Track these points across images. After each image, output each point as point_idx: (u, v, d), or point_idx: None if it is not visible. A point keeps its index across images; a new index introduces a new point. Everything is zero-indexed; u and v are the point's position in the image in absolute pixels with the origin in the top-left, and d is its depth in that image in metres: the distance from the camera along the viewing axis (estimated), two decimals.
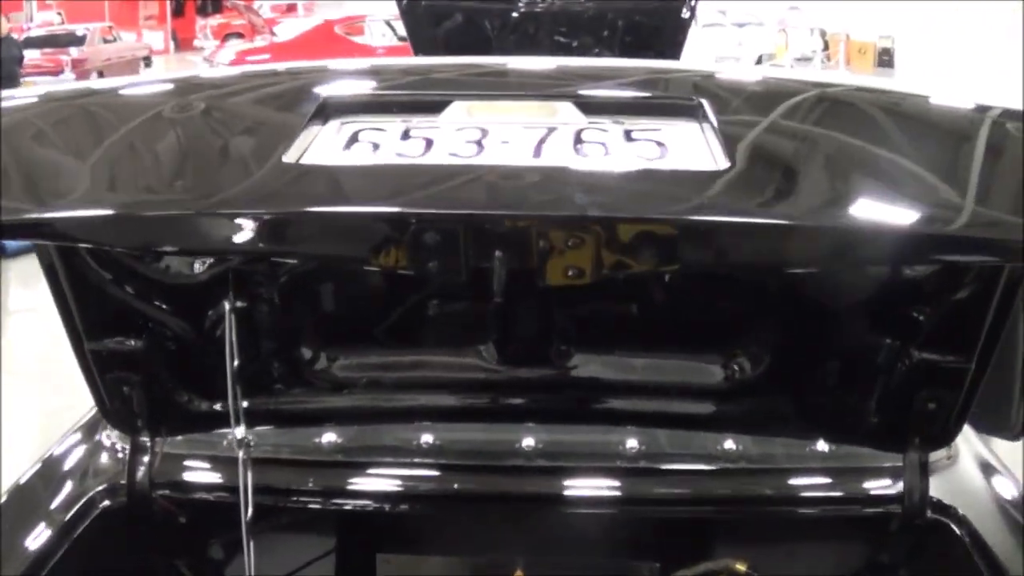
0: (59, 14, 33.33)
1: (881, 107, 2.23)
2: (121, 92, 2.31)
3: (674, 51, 8.37)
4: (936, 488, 2.74)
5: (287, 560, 2.92)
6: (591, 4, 8.55)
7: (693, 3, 8.21)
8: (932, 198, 2.00)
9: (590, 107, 2.15)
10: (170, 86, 2.32)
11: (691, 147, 2.00)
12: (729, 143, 2.00)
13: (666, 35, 8.35)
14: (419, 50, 8.52)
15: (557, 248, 2.02)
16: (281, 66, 2.66)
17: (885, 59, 29.24)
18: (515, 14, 8.55)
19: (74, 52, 21.80)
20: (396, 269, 2.13)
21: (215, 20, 38.29)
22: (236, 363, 2.46)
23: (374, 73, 2.49)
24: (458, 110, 2.06)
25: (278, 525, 2.94)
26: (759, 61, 26.91)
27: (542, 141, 2.02)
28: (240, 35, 32.43)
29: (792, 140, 2.18)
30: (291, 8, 38.50)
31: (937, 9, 25.48)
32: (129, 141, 2.14)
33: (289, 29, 23.93)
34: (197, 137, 2.17)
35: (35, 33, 23.82)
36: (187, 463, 2.78)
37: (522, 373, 2.64)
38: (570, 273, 2.08)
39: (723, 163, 1.93)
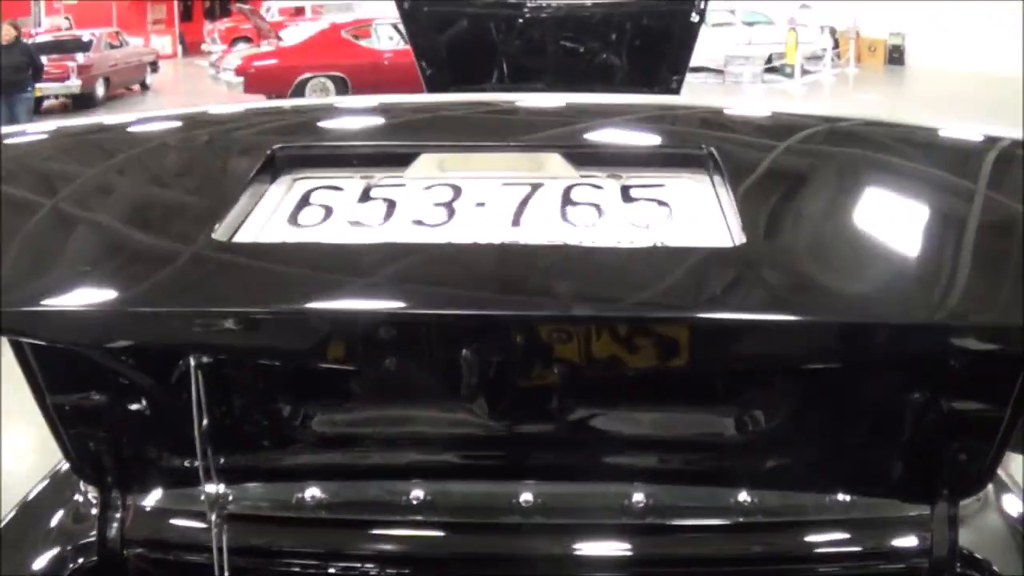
0: (67, 18, 33.26)
1: (909, 152, 1.98)
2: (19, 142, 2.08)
3: (684, 54, 8.16)
4: (965, 538, 2.53)
5: None
6: (598, 8, 8.33)
7: (702, 6, 8.00)
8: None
9: (582, 157, 1.92)
10: (81, 134, 2.08)
11: (699, 208, 1.76)
12: (744, 205, 1.75)
13: (675, 38, 8.14)
14: (420, 55, 8.31)
15: (539, 346, 1.79)
16: (228, 108, 2.43)
17: (896, 56, 29.01)
18: (520, 19, 8.34)
19: (80, 58, 21.63)
20: (349, 367, 1.90)
21: (223, 24, 38.14)
22: (205, 421, 2.26)
23: (334, 115, 2.27)
24: (428, 163, 1.83)
25: None
26: (769, 60, 26.69)
27: (524, 203, 1.80)
28: (248, 39, 32.26)
29: (813, 202, 1.94)
30: (299, 11, 38.30)
31: (947, 8, 25.27)
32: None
33: (296, 33, 23.71)
34: (109, 205, 1.95)
35: (42, 39, 23.65)
36: (161, 520, 2.57)
37: (517, 429, 2.42)
38: (555, 371, 1.87)
39: (738, 235, 1.70)
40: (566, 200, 1.78)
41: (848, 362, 2.11)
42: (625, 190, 1.82)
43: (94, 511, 2.53)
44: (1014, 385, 2.22)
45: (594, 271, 1.71)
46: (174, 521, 2.56)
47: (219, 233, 1.73)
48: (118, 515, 2.50)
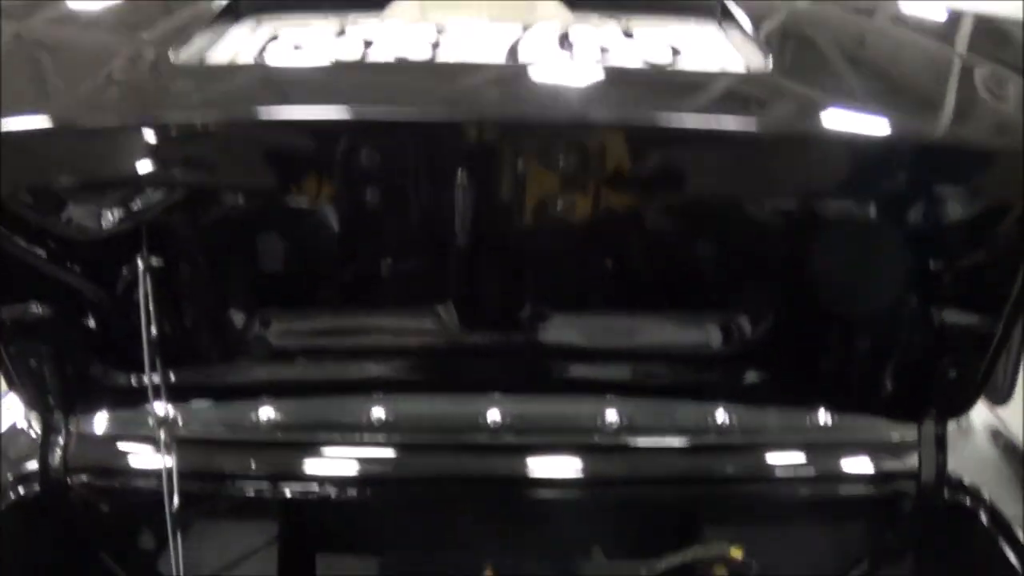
0: None
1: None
2: None
3: None
4: (953, 464, 2.43)
5: (225, 551, 2.58)
6: None
7: None
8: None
9: (578, 2, 1.81)
10: None
11: (711, 47, 1.65)
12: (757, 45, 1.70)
13: None
14: None
15: (537, 168, 1.68)
16: None
17: None
18: None
19: None
20: (326, 195, 1.77)
21: None
22: (154, 329, 2.11)
23: None
24: (405, 7, 1.69)
25: (213, 513, 2.60)
26: None
27: (517, 42, 1.67)
28: None
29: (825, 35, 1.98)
30: None
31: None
32: None
33: None
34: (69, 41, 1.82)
35: None
36: (107, 445, 2.42)
37: (487, 337, 2.29)
38: (552, 205, 1.75)
39: (751, 64, 1.58)
40: (563, 41, 1.66)
41: (853, 191, 2.05)
42: (628, 33, 1.70)
43: (35, 437, 2.38)
44: (1008, 296, 2.12)
45: (600, 85, 1.62)
46: (121, 445, 2.42)
47: (176, 58, 1.58)
48: (61, 441, 2.37)
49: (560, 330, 2.27)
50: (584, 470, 2.37)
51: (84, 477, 2.40)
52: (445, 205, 1.98)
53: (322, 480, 2.40)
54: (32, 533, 2.37)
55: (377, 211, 2.09)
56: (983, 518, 2.37)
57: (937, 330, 2.21)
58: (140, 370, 2.28)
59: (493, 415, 2.37)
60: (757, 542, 2.49)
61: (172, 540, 2.22)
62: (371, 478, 2.38)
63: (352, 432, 2.39)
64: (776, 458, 2.43)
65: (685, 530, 2.49)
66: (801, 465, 2.43)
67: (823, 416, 2.45)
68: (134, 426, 2.42)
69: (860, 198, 2.05)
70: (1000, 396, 2.53)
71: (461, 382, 2.37)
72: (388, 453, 2.38)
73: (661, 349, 2.35)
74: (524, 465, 2.36)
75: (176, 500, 2.22)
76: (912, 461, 2.40)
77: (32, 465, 2.38)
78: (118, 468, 2.42)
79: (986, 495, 2.39)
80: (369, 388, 2.38)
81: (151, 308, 2.13)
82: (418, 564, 2.42)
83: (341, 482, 2.39)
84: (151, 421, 2.34)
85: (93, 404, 2.41)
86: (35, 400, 2.35)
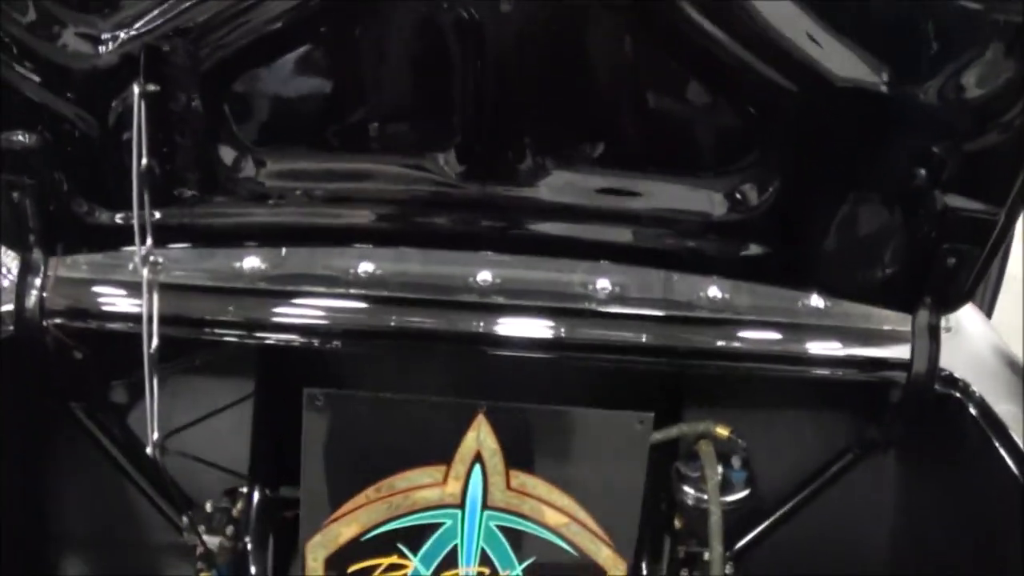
0: None
1: None
2: None
3: None
4: (945, 358, 2.40)
5: (200, 403, 2.53)
6: None
7: None
8: None
9: None
10: None
11: None
12: None
13: None
14: None
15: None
16: None
17: None
18: None
19: None
20: (323, 31, 1.71)
21: None
22: (144, 160, 2.04)
23: None
24: None
25: (191, 366, 2.54)
26: None
27: None
28: None
29: None
30: None
31: None
32: None
33: None
34: None
35: None
36: (85, 287, 2.35)
37: (483, 190, 2.23)
38: (554, 47, 1.69)
39: None
40: None
41: None
42: None
43: (11, 278, 2.31)
44: (1012, 187, 2.10)
45: None
46: (100, 288, 2.34)
47: None
48: (38, 282, 2.28)
49: (558, 187, 2.22)
50: (573, 334, 2.32)
51: (60, 320, 2.32)
52: (444, 46, 1.93)
53: (302, 330, 2.34)
54: (3, 378, 2.30)
55: (374, 48, 2.03)
56: (972, 411, 2.34)
57: (939, 215, 2.18)
58: (124, 208, 2.21)
59: (483, 275, 2.32)
60: (744, 420, 2.46)
61: (148, 384, 2.16)
62: (352, 330, 2.32)
63: (338, 284, 2.33)
64: (766, 336, 2.39)
65: (671, 402, 2.45)
66: (792, 345, 2.39)
67: (817, 300, 2.41)
68: (115, 269, 2.35)
69: (870, 64, 2.01)
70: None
71: (453, 238, 2.32)
72: (372, 306, 2.32)
73: (658, 214, 2.30)
74: (512, 326, 2.31)
75: (155, 342, 2.15)
76: (904, 351, 2.37)
77: (7, 307, 2.30)
78: (95, 311, 2.35)
79: (976, 390, 2.36)
80: (358, 239, 2.32)
81: (144, 138, 2.05)
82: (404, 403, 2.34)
83: (321, 332, 2.33)
84: (133, 264, 2.27)
85: (73, 244, 2.33)
86: (14, 237, 2.27)
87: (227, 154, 2.22)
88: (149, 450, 2.16)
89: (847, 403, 2.62)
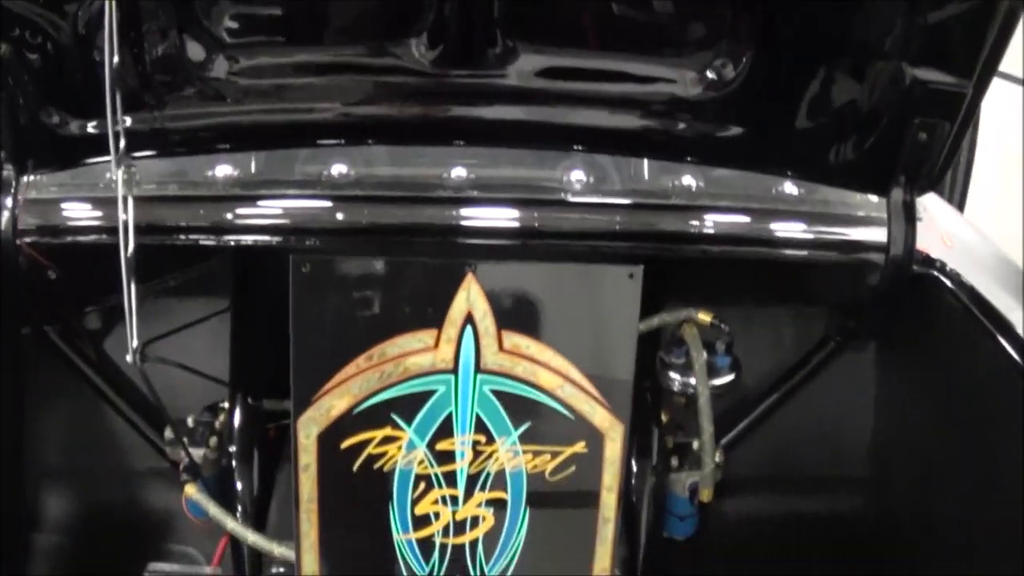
0: None
1: None
2: None
3: None
4: (922, 239, 2.43)
5: (180, 323, 2.51)
6: None
7: None
8: None
9: None
10: None
11: None
12: None
13: None
14: None
15: None
16: None
17: None
18: None
19: None
20: None
21: None
22: (116, 59, 2.02)
23: None
24: None
25: (167, 288, 2.52)
26: None
27: None
28: None
29: None
30: None
31: None
32: None
33: None
34: None
35: None
36: (57, 204, 2.33)
37: (457, 75, 2.22)
38: None
39: None
40: None
41: None
42: None
43: None
44: (978, 59, 2.12)
45: None
46: (72, 204, 2.33)
47: None
48: (8, 201, 2.27)
49: (529, 71, 2.22)
50: (548, 223, 2.32)
51: (33, 238, 2.29)
52: None
53: (279, 230, 2.33)
54: None
55: None
56: (952, 289, 2.36)
57: (908, 88, 2.20)
58: (96, 116, 2.19)
59: (457, 172, 2.32)
60: (725, 314, 2.47)
61: (126, 289, 2.12)
62: (330, 229, 2.31)
63: (312, 187, 2.32)
64: (741, 220, 2.40)
65: (653, 289, 2.46)
66: (768, 228, 2.41)
67: (792, 187, 2.43)
68: (86, 186, 2.33)
69: None
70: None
71: (426, 129, 2.31)
72: (349, 204, 2.32)
73: (631, 96, 2.31)
74: (487, 217, 2.31)
75: (131, 246, 2.12)
76: (881, 234, 2.39)
77: None
78: (69, 226, 2.32)
79: (954, 268, 2.39)
80: (332, 134, 2.32)
81: (115, 39, 2.03)
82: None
83: (299, 231, 2.32)
84: (104, 181, 2.26)
85: (45, 159, 2.31)
86: None
87: (196, 52, 2.20)
88: (129, 358, 2.13)
89: (826, 292, 2.65)
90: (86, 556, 2.59)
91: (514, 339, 1.92)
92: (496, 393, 1.94)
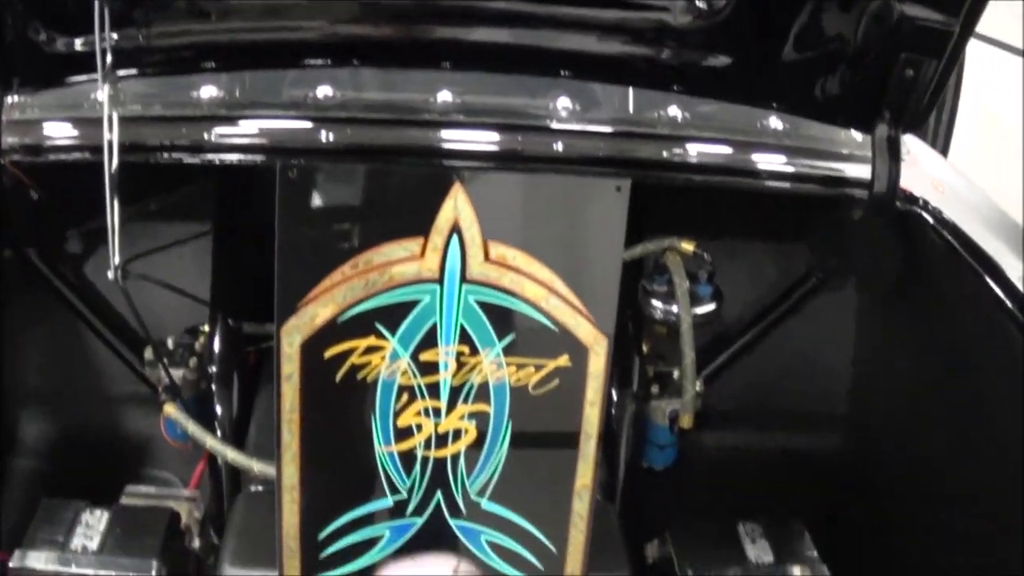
0: None
1: None
2: None
3: None
4: (906, 178, 2.45)
5: (158, 242, 2.50)
6: None
7: None
8: None
9: None
10: None
11: None
12: None
13: None
14: None
15: None
16: None
17: None
18: None
19: None
20: None
21: None
22: None
23: None
24: None
25: (147, 211, 2.51)
26: None
27: None
28: None
29: None
30: None
31: None
32: None
33: None
34: None
35: None
36: (41, 123, 2.32)
37: None
38: None
39: None
40: None
41: None
42: None
43: None
44: None
45: None
46: (57, 123, 2.33)
47: None
48: None
49: None
50: (531, 147, 2.33)
51: (17, 157, 2.29)
52: None
53: (264, 150, 2.33)
54: None
55: None
56: (935, 226, 2.38)
57: (895, 24, 2.21)
58: (82, 31, 2.18)
59: (443, 96, 2.32)
60: (708, 248, 2.48)
61: (109, 205, 2.12)
62: (314, 149, 2.31)
63: (296, 108, 2.32)
64: (725, 151, 2.42)
65: (637, 222, 2.47)
66: (752, 159, 2.42)
67: (777, 122, 2.44)
68: (71, 107, 2.33)
69: None
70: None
71: (410, 51, 2.32)
72: (333, 125, 2.32)
73: (617, 22, 2.32)
74: (472, 140, 2.32)
75: (115, 162, 2.12)
76: (865, 171, 2.41)
77: None
78: (53, 145, 2.32)
79: (936, 207, 2.41)
80: (315, 54, 2.32)
81: None
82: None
83: (283, 151, 2.31)
84: (88, 101, 2.26)
85: (29, 78, 2.30)
86: None
87: None
88: (111, 274, 2.13)
89: (810, 228, 2.66)
90: (63, 479, 2.59)
91: (500, 250, 1.92)
92: (481, 304, 1.94)
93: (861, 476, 2.77)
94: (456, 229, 1.90)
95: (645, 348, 2.58)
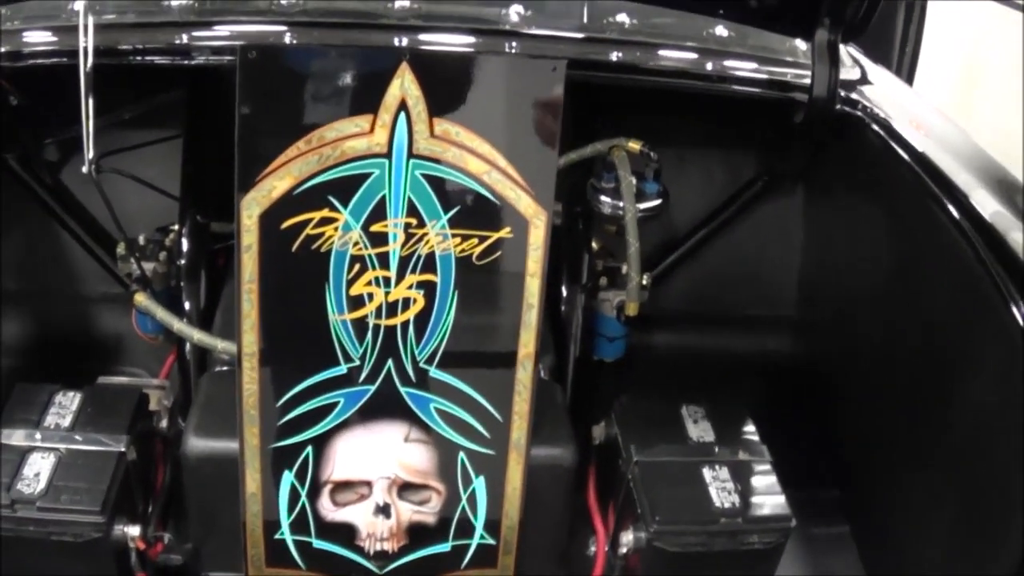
0: None
1: None
2: None
3: None
4: (844, 81, 2.65)
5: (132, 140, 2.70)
6: None
7: None
8: None
9: None
10: None
11: None
12: None
13: None
14: None
15: None
16: None
17: None
18: None
19: None
20: None
21: None
22: None
23: None
24: None
25: (122, 121, 2.73)
26: None
27: None
28: None
29: None
30: None
31: None
32: None
33: None
34: None
35: None
36: (20, 33, 2.53)
37: None
38: None
39: None
40: None
41: None
42: None
43: None
44: None
45: None
46: (35, 31, 2.56)
47: None
48: None
49: None
50: (486, 50, 2.52)
51: None
52: None
53: (230, 52, 2.53)
54: None
55: None
56: (872, 129, 2.58)
57: None
58: None
59: (401, 2, 2.52)
60: (659, 145, 2.67)
61: (84, 102, 2.30)
62: None
63: (263, 13, 2.52)
64: (673, 55, 2.62)
65: (590, 126, 2.67)
66: (699, 62, 2.62)
67: (723, 30, 2.65)
68: (49, 18, 2.53)
69: None
70: None
71: None
72: (297, 29, 2.53)
73: None
74: (429, 43, 2.52)
75: (91, 60, 2.30)
76: (805, 75, 2.60)
77: None
78: (31, 51, 2.52)
79: (879, 111, 2.60)
80: None
81: None
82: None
83: None
84: (71, 5, 2.46)
85: None
86: None
87: None
88: (85, 169, 2.31)
89: (755, 132, 2.86)
90: (38, 377, 2.77)
91: (444, 126, 2.11)
92: (427, 177, 2.13)
93: (805, 375, 2.97)
94: (403, 106, 2.09)
95: (596, 245, 2.78)
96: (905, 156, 2.47)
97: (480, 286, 2.21)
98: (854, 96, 2.69)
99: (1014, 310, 2.02)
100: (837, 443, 2.84)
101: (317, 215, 2.14)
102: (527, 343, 2.25)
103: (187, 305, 2.70)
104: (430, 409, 2.28)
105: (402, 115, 2.09)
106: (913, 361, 2.52)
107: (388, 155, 2.12)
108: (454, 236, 2.18)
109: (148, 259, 2.69)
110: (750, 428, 2.55)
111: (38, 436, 2.37)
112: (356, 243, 2.16)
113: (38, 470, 2.30)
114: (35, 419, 2.42)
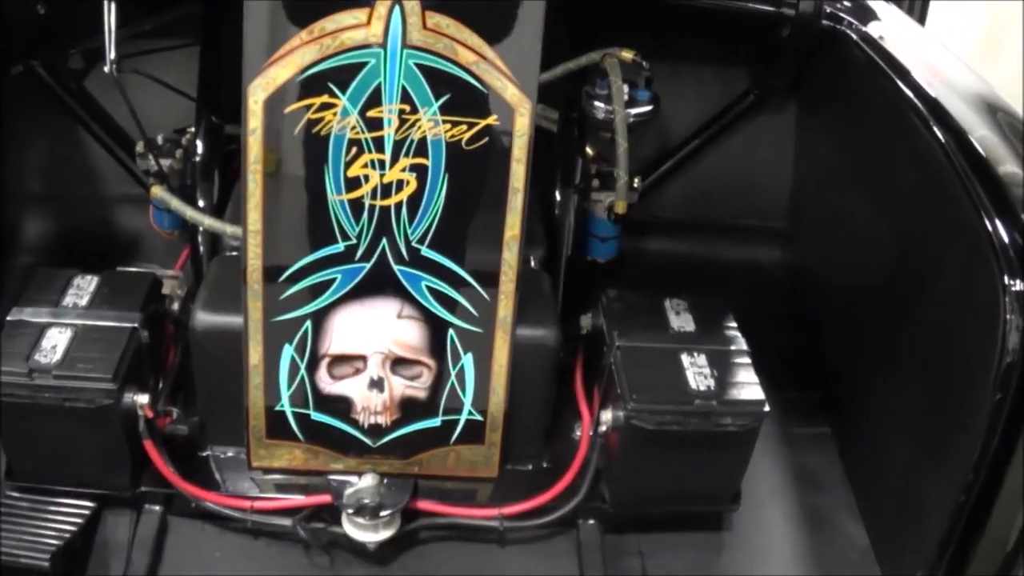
0: None
1: None
2: None
3: None
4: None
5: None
6: None
7: None
8: None
9: None
10: None
11: None
12: None
13: None
14: None
15: None
16: None
17: None
18: None
19: None
20: None
21: None
22: None
23: None
24: None
25: (143, 32, 3.05)
26: None
27: None
28: None
29: None
30: None
31: None
32: None
33: None
34: None
35: None
36: None
37: None
38: None
39: None
40: None
41: None
42: None
43: None
44: None
45: None
46: None
47: None
48: None
49: None
50: None
51: None
52: None
53: None
54: None
55: None
56: (856, 44, 2.80)
57: None
58: None
59: None
60: (653, 60, 2.90)
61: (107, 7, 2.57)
62: None
63: None
64: None
65: (586, 39, 2.90)
66: None
67: None
68: None
69: None
70: None
71: None
72: None
73: None
74: None
75: None
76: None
77: None
78: None
79: (864, 28, 2.82)
80: None
81: None
82: None
83: None
84: None
85: None
86: None
87: None
88: (107, 68, 2.58)
89: (746, 46, 3.09)
90: None
91: (436, 19, 2.34)
92: (420, 67, 2.37)
93: (792, 281, 3.20)
94: (398, 0, 2.34)
95: (591, 152, 3.01)
96: (885, 67, 2.69)
97: (469, 170, 2.45)
98: (839, 12, 2.91)
99: (978, 207, 2.22)
100: (821, 348, 3.06)
101: (317, 100, 2.39)
102: (513, 225, 2.49)
103: (201, 202, 2.96)
104: (422, 287, 2.53)
105: (396, 8, 2.33)
106: (889, 267, 2.75)
107: (384, 45, 2.35)
108: (445, 122, 2.42)
109: (165, 156, 2.97)
110: (730, 321, 2.77)
111: (56, 313, 2.65)
112: (354, 127, 2.41)
113: (55, 343, 2.58)
114: (54, 299, 2.70)
